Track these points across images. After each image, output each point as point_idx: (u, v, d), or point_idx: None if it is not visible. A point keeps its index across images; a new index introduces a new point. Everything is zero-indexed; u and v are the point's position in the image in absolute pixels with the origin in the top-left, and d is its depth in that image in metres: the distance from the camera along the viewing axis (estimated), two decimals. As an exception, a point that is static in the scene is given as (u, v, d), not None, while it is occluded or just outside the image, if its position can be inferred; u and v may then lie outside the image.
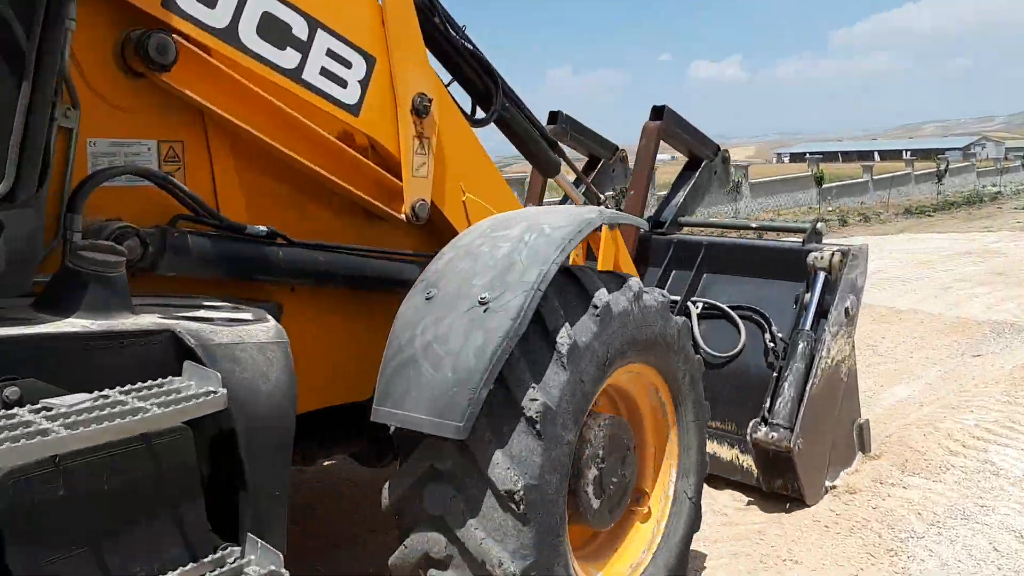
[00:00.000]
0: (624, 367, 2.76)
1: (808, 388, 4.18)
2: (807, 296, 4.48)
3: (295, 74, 2.65)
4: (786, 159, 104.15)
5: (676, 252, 5.26)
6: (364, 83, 2.89)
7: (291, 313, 2.75)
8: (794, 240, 4.84)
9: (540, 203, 5.69)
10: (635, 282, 2.78)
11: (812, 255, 4.52)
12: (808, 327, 4.34)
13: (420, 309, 2.45)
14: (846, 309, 4.43)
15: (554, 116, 5.96)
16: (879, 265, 12.69)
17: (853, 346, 4.61)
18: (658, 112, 5.31)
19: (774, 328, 4.55)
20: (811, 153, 59.53)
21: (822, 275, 4.46)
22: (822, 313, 4.40)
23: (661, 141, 5.48)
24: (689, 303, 4.95)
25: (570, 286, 2.60)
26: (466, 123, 3.41)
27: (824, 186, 32.31)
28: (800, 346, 4.28)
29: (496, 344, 2.24)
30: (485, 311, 2.31)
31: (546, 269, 2.40)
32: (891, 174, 36.83)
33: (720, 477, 4.55)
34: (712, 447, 4.61)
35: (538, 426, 2.29)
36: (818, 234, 4.82)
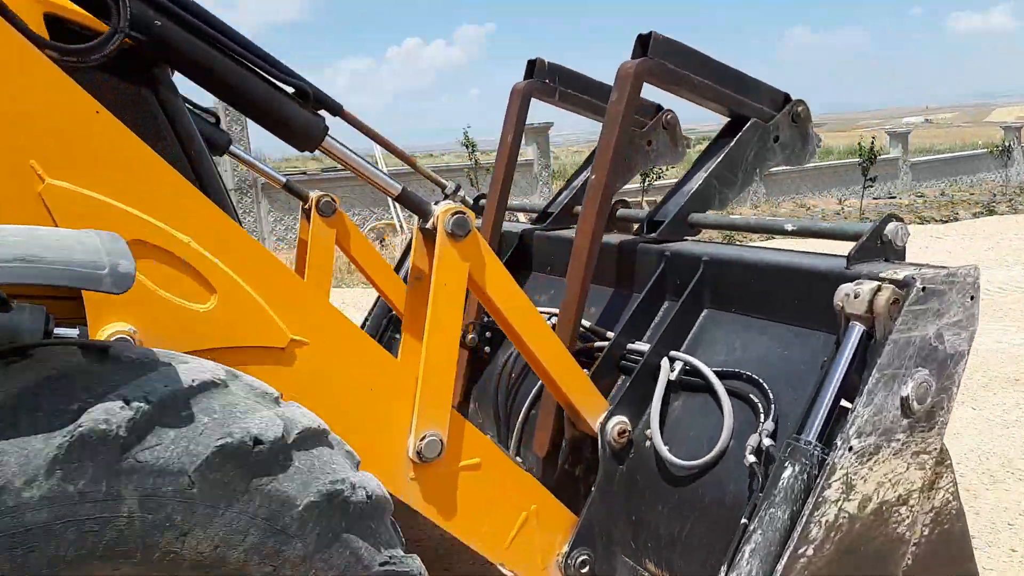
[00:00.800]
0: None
1: (785, 559, 2.09)
2: (832, 365, 2.35)
3: None
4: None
5: (668, 270, 3.21)
6: None
7: None
8: (842, 256, 2.64)
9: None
10: None
11: (843, 289, 2.35)
12: (813, 434, 2.22)
13: None
14: (903, 399, 2.24)
15: (531, 66, 4.08)
16: None
17: (942, 466, 2.38)
18: (642, 44, 3.26)
19: (769, 420, 2.46)
20: (1106, 110, 49.36)
21: (856, 329, 2.30)
22: (852, 400, 2.26)
23: (672, 94, 3.45)
24: (664, 361, 2.95)
25: None
26: (41, 56, 1.82)
27: (1116, 151, 26.84)
28: (786, 474, 2.17)
29: None
30: None
31: None
32: None
33: None
34: (664, 621, 2.65)
35: None
36: (886, 243, 2.58)
